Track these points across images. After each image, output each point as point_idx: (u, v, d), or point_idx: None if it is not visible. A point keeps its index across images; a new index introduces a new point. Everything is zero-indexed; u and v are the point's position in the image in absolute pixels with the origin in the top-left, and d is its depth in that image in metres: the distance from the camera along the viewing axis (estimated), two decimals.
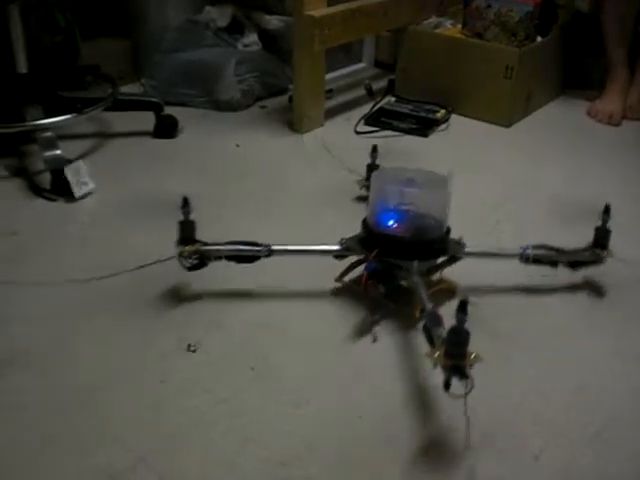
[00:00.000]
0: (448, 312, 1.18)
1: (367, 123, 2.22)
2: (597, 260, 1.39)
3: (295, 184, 1.83)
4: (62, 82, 2.15)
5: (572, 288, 1.44)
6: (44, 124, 1.78)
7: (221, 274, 1.38)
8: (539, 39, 2.30)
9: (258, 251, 1.34)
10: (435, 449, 1.05)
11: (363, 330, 1.29)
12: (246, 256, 1.35)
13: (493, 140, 2.16)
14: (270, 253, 1.35)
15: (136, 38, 2.49)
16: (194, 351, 1.23)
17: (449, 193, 1.34)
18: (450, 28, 2.42)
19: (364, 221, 1.39)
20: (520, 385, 1.19)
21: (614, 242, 1.39)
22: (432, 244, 1.35)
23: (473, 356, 0.99)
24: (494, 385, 1.16)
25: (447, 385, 0.99)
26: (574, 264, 1.40)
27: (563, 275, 1.42)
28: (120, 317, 1.31)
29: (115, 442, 1.04)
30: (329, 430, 1.08)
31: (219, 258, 1.33)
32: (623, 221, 1.44)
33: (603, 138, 2.19)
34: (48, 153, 1.74)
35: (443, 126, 2.23)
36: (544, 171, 1.93)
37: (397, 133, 2.17)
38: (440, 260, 1.37)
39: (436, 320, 1.11)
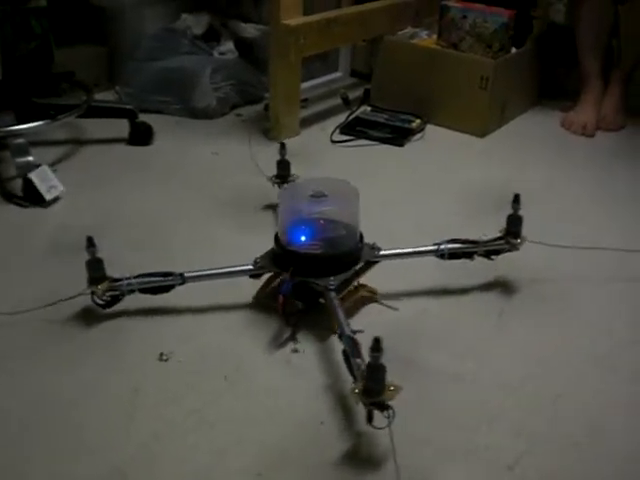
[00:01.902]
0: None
1: (343, 132, 2.22)
2: (511, 248, 1.40)
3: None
4: (36, 89, 2.13)
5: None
6: (17, 130, 1.77)
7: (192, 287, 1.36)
8: (514, 50, 2.32)
9: (171, 280, 1.31)
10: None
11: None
12: (159, 287, 1.31)
13: (467, 150, 2.16)
14: (184, 281, 1.31)
15: (112, 45, 2.48)
16: (166, 360, 1.22)
17: (358, 199, 1.33)
18: (426, 39, 2.44)
19: (276, 237, 1.36)
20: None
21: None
22: (346, 256, 1.33)
23: (392, 388, 0.98)
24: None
25: (370, 419, 1.00)
26: (489, 253, 1.42)
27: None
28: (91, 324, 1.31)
29: (90, 453, 1.03)
30: (301, 438, 1.08)
31: (132, 292, 1.30)
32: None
33: (577, 149, 2.20)
34: (20, 159, 1.73)
35: (418, 136, 2.24)
36: (516, 182, 1.93)
37: (372, 142, 2.17)
38: (357, 267, 1.34)
39: (354, 349, 1.10)
